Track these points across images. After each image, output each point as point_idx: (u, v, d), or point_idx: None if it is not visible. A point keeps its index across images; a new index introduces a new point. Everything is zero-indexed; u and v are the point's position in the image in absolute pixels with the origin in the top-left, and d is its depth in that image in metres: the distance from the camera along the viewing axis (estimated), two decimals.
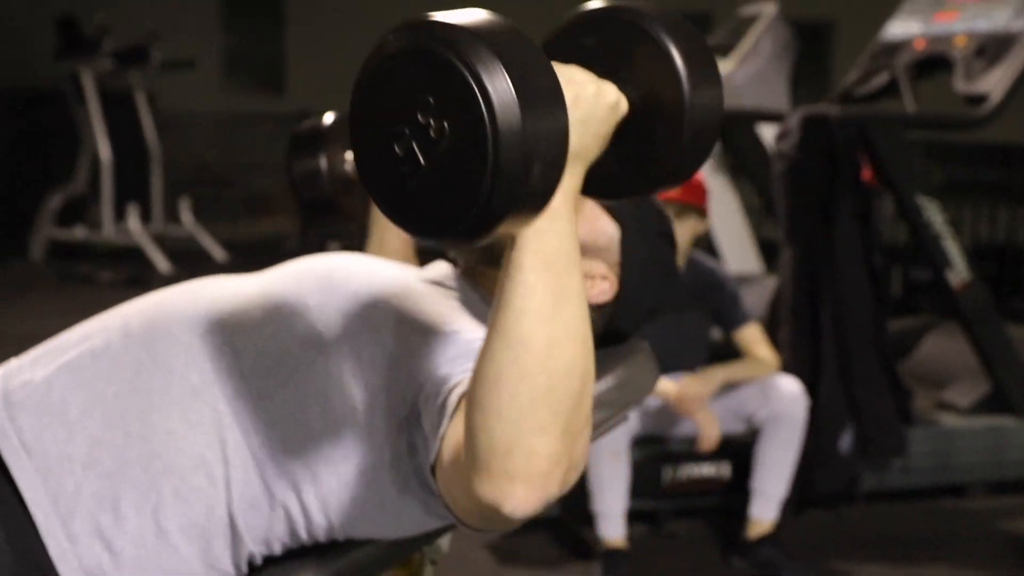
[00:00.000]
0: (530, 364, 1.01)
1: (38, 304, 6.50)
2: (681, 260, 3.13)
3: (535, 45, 0.96)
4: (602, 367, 1.46)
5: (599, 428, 1.47)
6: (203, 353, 1.29)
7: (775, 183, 3.31)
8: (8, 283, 7.37)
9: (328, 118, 1.70)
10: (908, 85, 3.62)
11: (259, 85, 11.46)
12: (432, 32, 0.94)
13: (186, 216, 8.38)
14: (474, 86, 0.90)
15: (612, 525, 2.94)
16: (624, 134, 1.10)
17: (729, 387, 3.05)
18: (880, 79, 3.92)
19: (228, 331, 1.30)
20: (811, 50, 9.56)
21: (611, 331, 1.50)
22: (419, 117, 0.94)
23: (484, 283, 1.42)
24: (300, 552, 1.36)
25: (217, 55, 11.22)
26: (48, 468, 1.24)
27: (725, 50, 5.37)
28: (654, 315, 1.54)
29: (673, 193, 3.01)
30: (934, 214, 3.44)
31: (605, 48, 1.11)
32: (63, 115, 8.55)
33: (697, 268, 3.16)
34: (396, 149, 0.95)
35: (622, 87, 1.10)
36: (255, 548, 1.30)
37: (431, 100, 0.93)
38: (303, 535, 1.31)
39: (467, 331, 1.27)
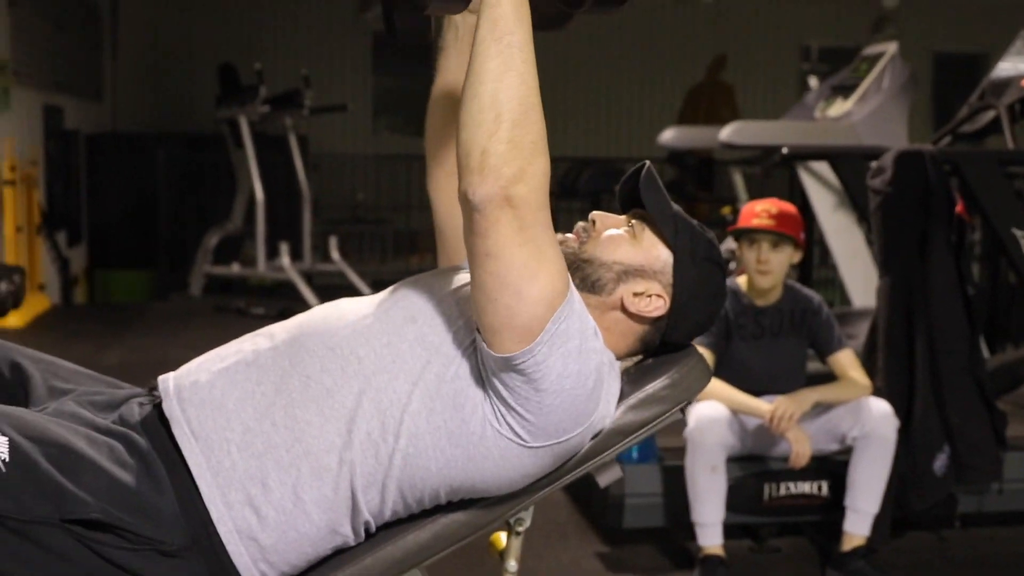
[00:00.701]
0: (479, 87, 1.48)
1: (197, 334, 6.98)
2: (777, 289, 3.33)
3: None
4: (657, 371, 1.72)
5: (656, 421, 1.72)
6: (333, 362, 1.60)
7: (871, 217, 3.48)
8: (171, 315, 7.91)
9: None
10: (1009, 123, 3.75)
11: (407, 126, 11.92)
12: None
13: (334, 253, 8.80)
14: None
15: (710, 534, 3.16)
16: None
17: (823, 408, 3.24)
18: (986, 117, 4.06)
19: (351, 342, 1.62)
20: (965, 82, 9.54)
21: (667, 342, 1.75)
22: None
23: None
24: (407, 519, 1.65)
25: (368, 98, 11.72)
26: (210, 449, 1.56)
27: (848, 90, 5.53)
28: (704, 328, 1.77)
29: (768, 224, 3.22)
30: None
31: None
32: (222, 158, 9.11)
33: (795, 295, 3.36)
34: None
35: None
36: (371, 517, 1.60)
37: None
38: (411, 502, 1.61)
39: None
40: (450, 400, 1.57)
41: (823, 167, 5.12)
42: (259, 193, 8.36)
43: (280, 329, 1.69)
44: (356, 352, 1.60)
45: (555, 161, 6.63)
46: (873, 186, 3.42)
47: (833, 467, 3.34)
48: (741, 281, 3.40)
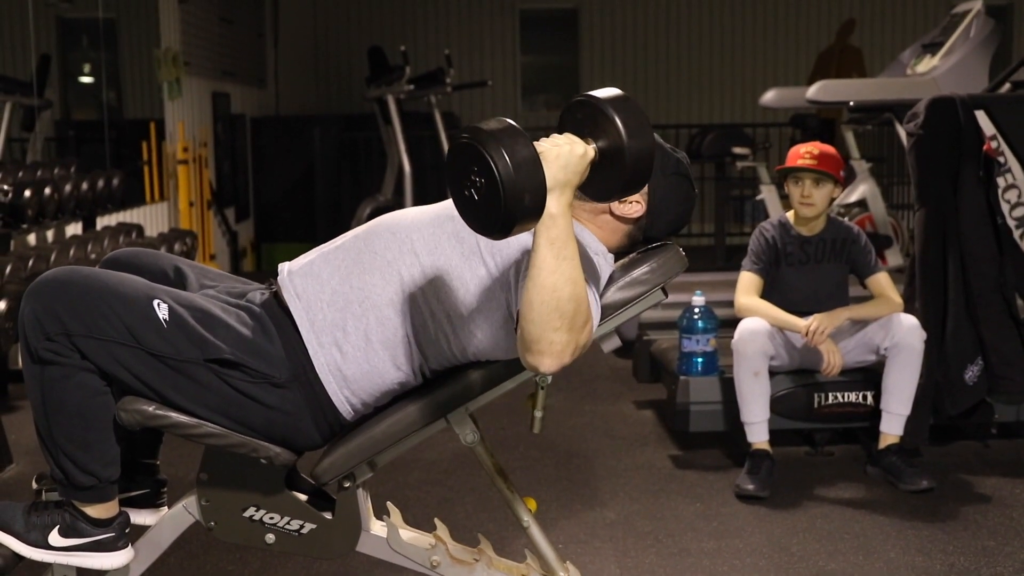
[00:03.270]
0: (544, 295, 1.90)
1: None
2: (820, 221, 3.80)
3: (524, 135, 1.84)
4: (641, 261, 2.27)
5: (640, 298, 2.26)
6: (394, 242, 2.21)
7: (907, 156, 3.91)
8: None
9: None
10: None
11: (555, 100, 12.46)
12: (471, 133, 1.85)
13: None
14: (491, 162, 1.81)
15: (757, 431, 3.67)
16: (598, 167, 1.96)
17: (859, 325, 3.71)
18: None
19: (408, 230, 2.22)
20: None
21: (647, 237, 2.31)
22: (472, 176, 1.86)
23: (575, 212, 2.27)
24: (453, 370, 2.24)
25: (516, 75, 12.29)
26: (309, 306, 2.19)
27: (936, 47, 5.87)
28: (677, 226, 2.32)
29: (810, 164, 3.69)
30: None
31: (586, 118, 1.98)
32: (374, 135, 9.82)
33: (836, 226, 3.83)
34: (466, 192, 1.89)
35: (595, 141, 1.95)
36: (424, 360, 2.19)
37: (475, 168, 1.85)
38: (450, 353, 2.20)
39: None
40: (484, 294, 2.15)
41: None
42: (407, 166, 8.98)
43: (361, 228, 2.30)
44: (410, 236, 2.21)
45: (682, 128, 7.22)
46: (908, 129, 3.86)
47: (875, 378, 3.80)
48: (790, 215, 3.87)
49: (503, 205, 1.80)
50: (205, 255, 8.82)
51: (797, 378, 3.87)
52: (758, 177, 7.71)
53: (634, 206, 2.28)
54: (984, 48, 5.52)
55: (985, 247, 3.81)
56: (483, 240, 2.17)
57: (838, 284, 3.84)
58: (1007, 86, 4.61)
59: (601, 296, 2.22)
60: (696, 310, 3.90)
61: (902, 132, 5.74)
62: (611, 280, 2.27)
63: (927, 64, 5.71)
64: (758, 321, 3.69)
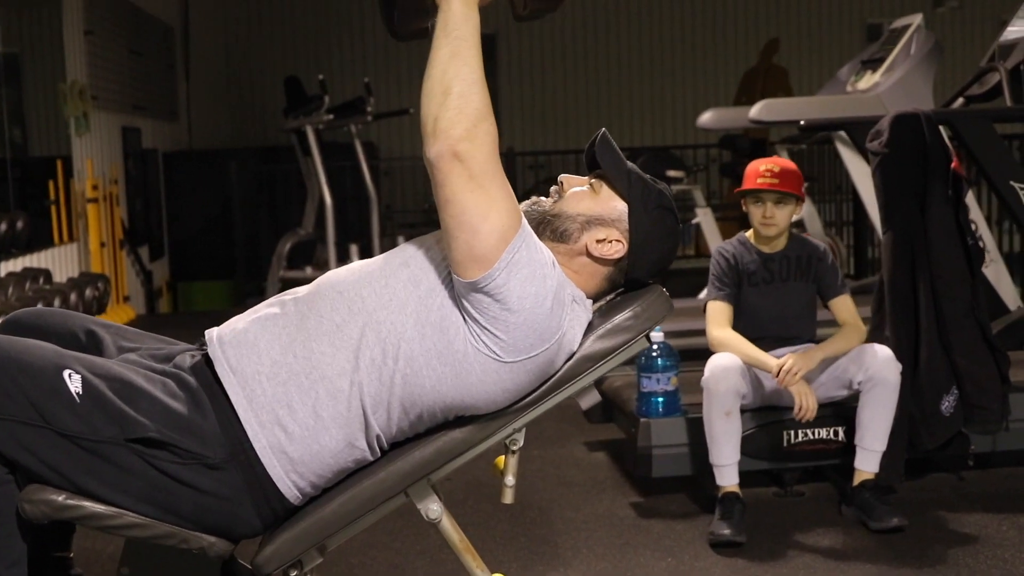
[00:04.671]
0: (433, 70, 1.86)
1: None
2: (783, 238, 3.58)
3: None
4: (622, 305, 2.02)
5: (624, 348, 2.01)
6: (342, 303, 1.92)
7: (872, 177, 3.71)
8: None
9: None
10: (1008, 83, 3.95)
11: None
12: None
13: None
14: None
15: (728, 474, 3.42)
16: None
17: (829, 359, 3.48)
18: (994, 79, 4.26)
19: (356, 287, 1.93)
20: None
21: (629, 280, 2.05)
22: None
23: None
24: (414, 438, 1.96)
25: None
26: (245, 381, 1.89)
27: (877, 63, 5.72)
28: (662, 266, 2.06)
29: (771, 184, 3.47)
30: None
31: None
32: (293, 167, 9.52)
33: (800, 242, 3.61)
34: None
35: None
36: (381, 432, 1.92)
37: None
38: (414, 419, 1.92)
39: None
40: (437, 325, 1.88)
41: None
42: (328, 198, 8.69)
43: (303, 287, 2.02)
44: (360, 293, 1.93)
45: None
46: (871, 148, 3.66)
47: (847, 412, 3.58)
48: (749, 234, 3.65)
49: None
50: (118, 297, 8.43)
51: (764, 416, 3.63)
52: (693, 200, 7.54)
53: (614, 245, 2.03)
54: (927, 64, 5.37)
55: (956, 269, 3.62)
56: (441, 275, 1.91)
57: (805, 305, 3.63)
58: (960, 101, 4.45)
59: (579, 346, 1.97)
60: (655, 347, 3.65)
61: (844, 151, 5.60)
62: (590, 328, 2.01)
63: (868, 81, 5.55)
64: (730, 357, 3.45)
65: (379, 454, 1.96)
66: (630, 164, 2.09)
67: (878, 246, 7.22)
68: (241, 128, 11.94)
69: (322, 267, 8.91)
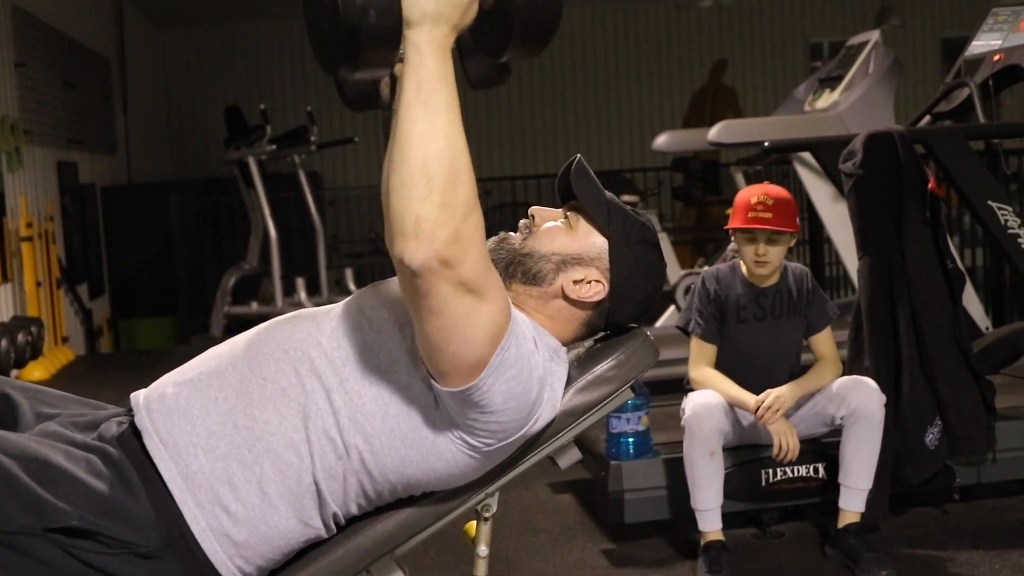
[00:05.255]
0: (408, 151, 1.48)
1: None
2: (776, 273, 3.36)
3: None
4: (604, 353, 1.81)
5: (607, 400, 1.81)
6: (287, 363, 1.69)
7: (846, 200, 3.54)
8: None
9: None
10: (980, 99, 3.81)
11: None
12: None
13: (352, 286, 8.91)
14: None
15: (711, 519, 3.22)
16: (492, 12, 1.57)
17: (807, 395, 3.29)
18: (962, 95, 4.12)
19: (304, 345, 1.71)
20: None
21: (611, 324, 1.84)
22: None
23: (518, 300, 1.79)
24: (374, 512, 1.74)
25: (379, 130, 11.87)
26: (179, 455, 1.65)
27: (834, 81, 5.60)
28: (646, 307, 1.86)
29: (765, 220, 3.25)
30: (1010, 218, 3.61)
31: None
32: (236, 200, 9.26)
33: (792, 273, 3.39)
34: (314, 15, 1.53)
35: None
36: (337, 508, 1.69)
37: None
38: (372, 495, 1.69)
39: None
40: (403, 406, 1.65)
41: None
42: (272, 231, 8.46)
43: (241, 339, 1.78)
44: (308, 353, 1.69)
45: (554, 177, 6.60)
46: (845, 169, 3.50)
47: (828, 448, 3.39)
48: (742, 264, 3.41)
49: (340, 20, 1.45)
50: (56, 338, 8.11)
51: (741, 454, 3.44)
52: None
53: (593, 286, 1.82)
54: (886, 81, 5.25)
55: (936, 294, 3.46)
56: (408, 345, 1.68)
57: (796, 343, 3.42)
58: (927, 119, 4.32)
59: (559, 396, 1.76)
60: None
61: (804, 172, 5.46)
62: (569, 380, 1.80)
63: (827, 99, 5.42)
64: (712, 394, 3.25)
65: (335, 531, 1.74)
66: (608, 194, 1.88)
67: (836, 263, 7.14)
68: (182, 160, 11.67)
69: (268, 302, 8.65)
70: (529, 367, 1.65)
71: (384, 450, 1.65)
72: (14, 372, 6.75)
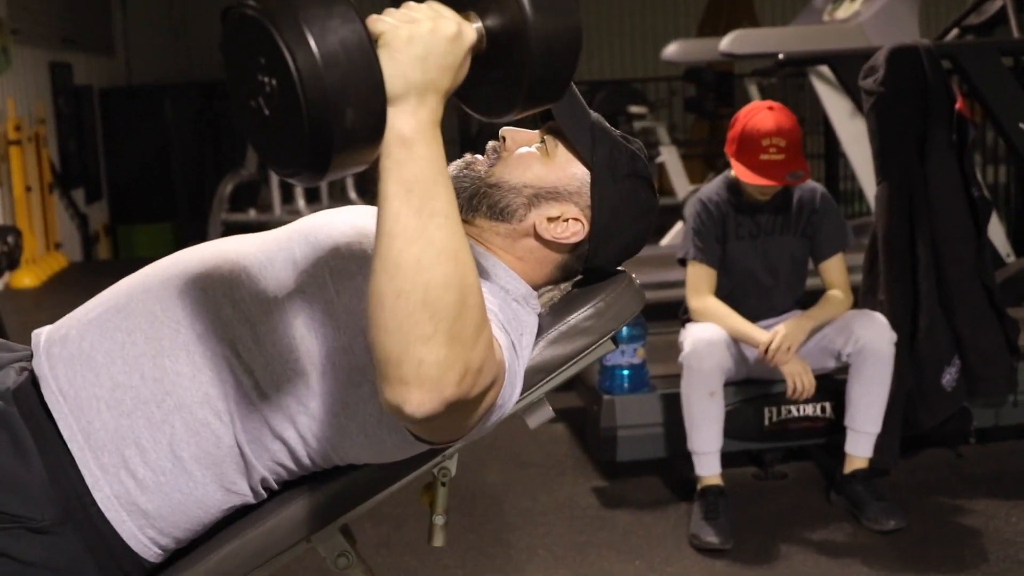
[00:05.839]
0: (403, 282, 1.12)
1: None
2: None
3: (348, 4, 1.09)
4: (580, 301, 1.57)
5: (582, 354, 1.57)
6: (205, 304, 1.43)
7: (866, 120, 3.27)
8: None
9: None
10: (1015, 11, 3.51)
11: None
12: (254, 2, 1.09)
13: (352, 193, 8.67)
14: (283, 51, 1.05)
15: (708, 463, 3.00)
16: (490, 60, 1.21)
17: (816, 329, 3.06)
18: (993, 7, 3.82)
19: (227, 284, 1.44)
20: None
21: (591, 268, 1.59)
22: (259, 76, 1.10)
23: (482, 237, 1.54)
24: (311, 476, 1.51)
25: None
26: (80, 409, 1.41)
27: None
28: (632, 252, 1.61)
29: (780, 171, 2.98)
30: None
31: None
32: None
33: (800, 190, 3.14)
34: (252, 102, 1.12)
35: (480, 16, 1.20)
36: (267, 474, 1.45)
37: (263, 61, 1.08)
38: (306, 462, 1.46)
39: None
40: (346, 373, 1.40)
41: None
42: None
43: (159, 267, 1.51)
44: (232, 295, 1.43)
45: None
46: (865, 87, 3.21)
47: (836, 386, 3.17)
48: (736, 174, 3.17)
49: (306, 125, 1.06)
50: (48, 244, 7.91)
51: (743, 391, 3.22)
52: (657, 138, 7.10)
53: (571, 225, 1.54)
54: None
55: (960, 225, 3.20)
56: (338, 278, 1.42)
57: (796, 264, 3.18)
58: (955, 32, 4.01)
59: (527, 355, 1.52)
60: None
61: (821, 86, 5.15)
62: (540, 331, 1.56)
63: (848, 9, 5.09)
64: (714, 329, 3.02)
65: (266, 496, 1.51)
66: (594, 115, 1.59)
67: (852, 178, 6.85)
68: (185, 62, 11.31)
69: (266, 209, 8.42)
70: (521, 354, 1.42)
71: (320, 416, 1.41)
72: None
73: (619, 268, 1.65)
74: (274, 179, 8.26)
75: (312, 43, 1.05)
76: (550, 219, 1.54)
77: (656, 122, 7.21)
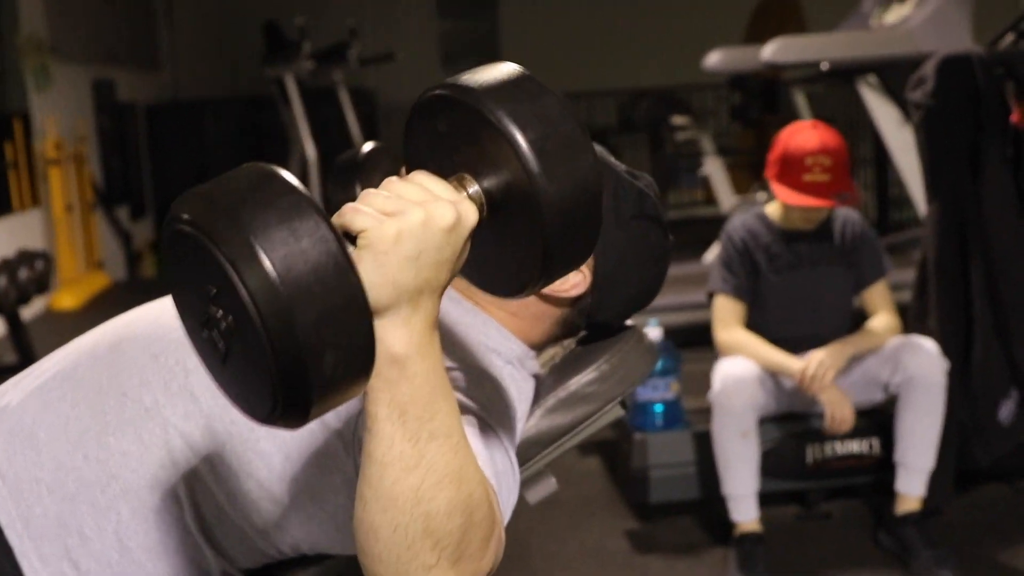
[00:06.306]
0: (399, 515, 0.93)
1: None
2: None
3: (309, 207, 0.83)
4: (582, 362, 1.40)
5: (584, 424, 1.40)
6: (156, 374, 1.28)
7: (915, 134, 3.07)
8: None
9: (366, 147, 1.71)
10: None
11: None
12: (192, 211, 0.84)
13: None
14: (234, 282, 0.81)
15: (744, 507, 2.81)
16: (494, 229, 0.97)
17: (857, 356, 2.87)
18: None
19: (182, 351, 1.28)
20: None
21: (595, 323, 1.42)
22: (210, 308, 0.85)
23: (469, 291, 1.38)
24: (278, 564, 1.35)
25: (434, 43, 11.45)
26: (20, 492, 1.26)
27: None
28: (642, 303, 1.43)
29: (823, 191, 2.82)
30: None
31: (457, 133, 0.95)
32: (274, 118, 8.92)
33: (838, 219, 2.96)
34: (203, 333, 0.87)
35: (477, 180, 0.96)
36: (227, 565, 1.29)
37: (214, 290, 0.84)
38: (271, 551, 1.30)
39: None
40: (314, 458, 1.24)
41: None
42: (310, 151, 8.12)
43: (108, 329, 1.36)
44: (186, 364, 1.28)
45: (610, 93, 6.19)
46: (914, 99, 3.02)
47: (884, 421, 2.97)
48: (770, 210, 3.01)
49: (274, 378, 0.82)
50: (90, 263, 7.86)
51: (783, 427, 3.03)
52: (700, 149, 6.90)
53: (571, 277, 1.36)
54: None
55: (1016, 246, 2.98)
56: None
57: (840, 297, 2.99)
58: (1010, 37, 3.79)
59: (521, 428, 1.35)
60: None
61: (869, 96, 4.94)
62: (538, 396, 1.40)
63: (897, 14, 4.87)
64: (744, 364, 2.84)
65: None
66: (597, 147, 1.42)
67: (902, 184, 6.61)
68: (233, 77, 11.28)
69: None
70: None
71: (284, 502, 1.26)
72: (38, 300, 6.49)
73: (628, 322, 1.48)
74: (314, 192, 8.16)
75: (273, 273, 0.80)
76: None
77: (700, 132, 7.00)
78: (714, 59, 5.94)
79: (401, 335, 0.91)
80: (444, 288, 0.95)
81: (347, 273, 0.82)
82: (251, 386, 0.86)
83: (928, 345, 2.85)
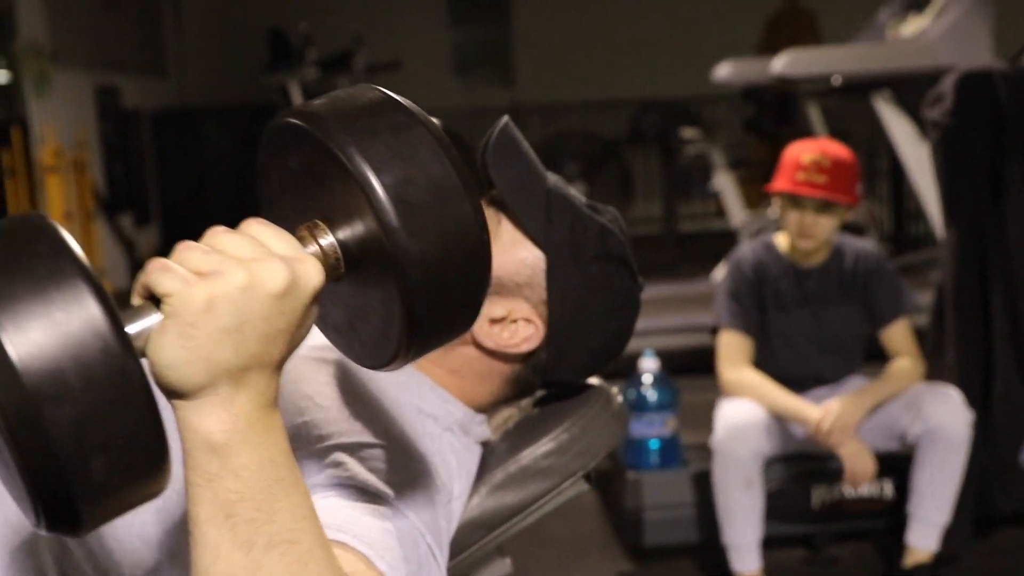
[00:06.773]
0: None
1: None
2: (825, 247, 2.75)
3: (74, 271, 0.66)
4: (539, 429, 1.21)
5: (538, 502, 1.20)
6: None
7: (932, 154, 2.87)
8: None
9: None
10: None
11: (488, 78, 11.49)
12: None
13: None
14: None
15: (747, 557, 2.61)
16: (355, 292, 0.80)
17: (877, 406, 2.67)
18: None
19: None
20: None
21: (551, 381, 1.22)
22: None
23: None
24: None
25: (446, 51, 11.33)
26: None
27: (923, 4, 4.87)
28: (606, 358, 1.23)
29: (816, 184, 2.64)
30: None
31: (310, 172, 0.78)
32: None
33: (847, 251, 2.78)
34: None
35: (334, 229, 0.78)
36: None
37: None
38: None
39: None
40: (180, 516, 1.06)
41: None
42: None
43: None
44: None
45: (618, 105, 5.97)
46: (931, 117, 2.82)
47: (897, 463, 2.77)
48: (780, 240, 2.83)
49: (27, 487, 0.65)
50: None
51: (789, 467, 2.83)
52: (711, 163, 6.70)
53: (520, 329, 1.18)
54: (984, 5, 4.49)
55: None
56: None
57: (852, 335, 2.79)
58: None
59: (468, 500, 1.16)
60: (647, 379, 2.84)
61: (885, 111, 4.74)
62: (485, 469, 1.20)
63: (914, 25, 4.68)
64: (749, 408, 2.63)
65: None
66: (552, 178, 1.21)
67: (915, 198, 6.41)
68: (241, 83, 11.15)
69: None
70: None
71: (145, 562, 1.06)
72: None
73: (592, 380, 1.28)
74: None
75: (16, 362, 0.63)
76: (493, 321, 1.17)
77: (710, 145, 6.80)
78: (724, 71, 5.75)
79: (220, 419, 0.72)
80: (282, 362, 0.75)
81: (118, 357, 0.65)
82: (18, 492, 0.68)
83: (952, 395, 2.64)
